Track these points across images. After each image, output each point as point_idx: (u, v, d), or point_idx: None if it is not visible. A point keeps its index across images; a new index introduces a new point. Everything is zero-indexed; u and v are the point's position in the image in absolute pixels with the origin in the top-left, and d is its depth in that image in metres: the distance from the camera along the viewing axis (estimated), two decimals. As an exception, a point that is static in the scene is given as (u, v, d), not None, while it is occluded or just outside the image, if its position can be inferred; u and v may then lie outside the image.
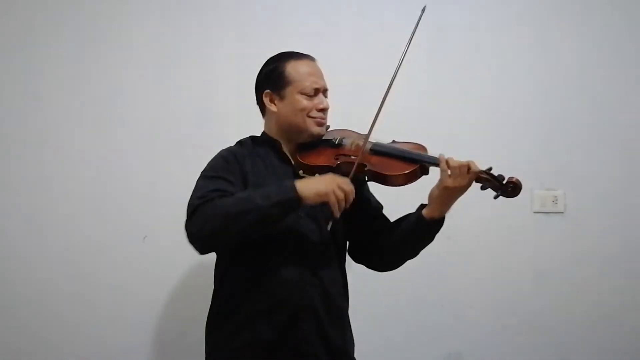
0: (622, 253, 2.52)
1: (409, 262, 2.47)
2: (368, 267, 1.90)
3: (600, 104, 2.54)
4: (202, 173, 1.76)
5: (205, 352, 1.81)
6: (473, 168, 1.69)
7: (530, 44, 2.54)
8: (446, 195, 1.71)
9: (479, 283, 2.52)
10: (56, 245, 2.42)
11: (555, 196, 2.52)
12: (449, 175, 1.68)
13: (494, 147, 2.45)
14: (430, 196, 1.74)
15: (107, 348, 2.42)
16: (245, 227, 1.61)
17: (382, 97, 1.73)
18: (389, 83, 1.74)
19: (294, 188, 1.60)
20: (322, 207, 1.66)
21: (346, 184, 1.63)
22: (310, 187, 1.61)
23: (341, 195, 1.61)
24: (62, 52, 2.46)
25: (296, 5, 2.49)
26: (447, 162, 1.69)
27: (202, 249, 1.67)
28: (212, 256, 1.82)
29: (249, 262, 1.72)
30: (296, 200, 1.60)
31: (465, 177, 1.68)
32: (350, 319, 1.87)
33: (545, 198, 2.52)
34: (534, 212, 2.53)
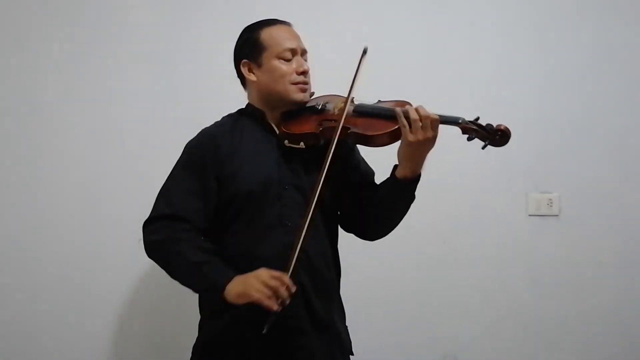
0: (618, 256, 2.53)
1: (406, 266, 2.49)
2: (358, 236, 1.84)
3: (595, 106, 2.55)
4: (177, 163, 1.78)
5: (199, 325, 1.81)
6: (433, 117, 1.60)
7: (526, 46, 2.55)
8: (411, 151, 1.62)
9: (475, 286, 2.52)
10: (51, 248, 2.42)
11: (550, 199, 2.53)
12: (410, 130, 1.60)
13: (489, 149, 2.45)
14: (398, 154, 1.67)
15: (103, 350, 2.41)
16: (176, 280, 1.73)
17: (359, 58, 1.69)
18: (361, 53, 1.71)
19: (222, 288, 1.59)
20: (314, 161, 1.65)
21: (276, 278, 1.56)
22: (234, 288, 1.59)
23: (267, 292, 1.54)
24: (58, 53, 2.45)
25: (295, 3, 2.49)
26: (405, 113, 1.61)
27: None
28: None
29: (235, 237, 1.71)
30: (221, 298, 1.61)
31: (428, 129, 1.60)
32: (347, 321, 1.86)
33: (540, 201, 2.53)
34: (529, 215, 2.54)
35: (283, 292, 1.55)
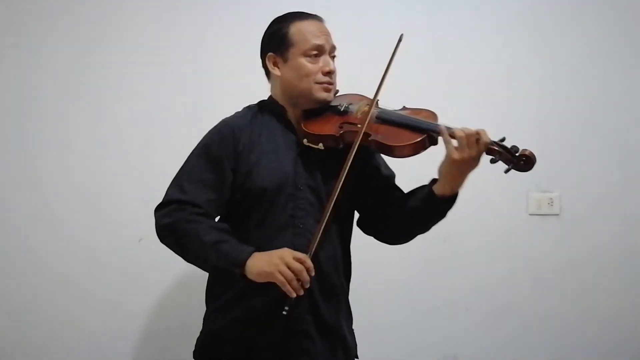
0: (618, 255, 2.53)
1: (406, 265, 2.49)
2: (377, 239, 1.82)
3: (596, 106, 2.55)
4: (194, 151, 1.74)
5: (203, 318, 1.80)
6: (483, 138, 1.55)
7: (526, 45, 2.55)
8: (455, 169, 1.58)
9: (475, 285, 2.52)
10: (52, 248, 2.42)
11: (551, 198, 2.53)
12: (455, 148, 1.55)
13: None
14: (439, 171, 1.62)
15: (103, 350, 2.41)
16: (189, 261, 1.70)
17: (387, 63, 1.67)
18: (390, 55, 1.68)
19: (242, 264, 1.57)
20: (333, 167, 1.62)
21: (299, 260, 1.54)
22: (256, 265, 1.56)
23: (289, 274, 1.52)
24: (57, 53, 2.45)
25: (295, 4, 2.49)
26: (450, 131, 1.56)
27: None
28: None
29: (245, 235, 1.68)
30: (238, 275, 1.58)
31: (474, 147, 1.55)
32: (348, 321, 1.86)
33: (540, 200, 2.53)
34: (530, 215, 2.54)
35: (305, 276, 1.54)
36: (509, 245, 2.53)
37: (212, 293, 1.78)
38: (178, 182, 1.71)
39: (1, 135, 2.43)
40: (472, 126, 2.52)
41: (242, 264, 1.57)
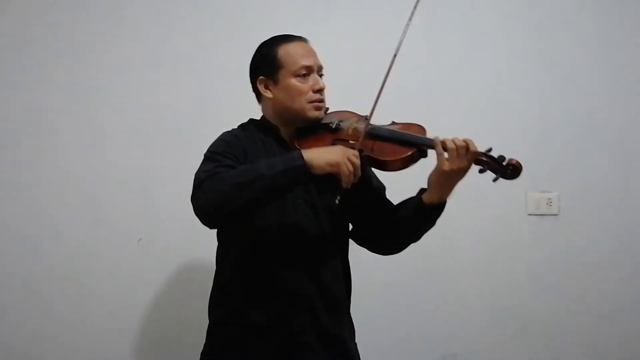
0: (617, 255, 2.53)
1: (404, 265, 2.49)
2: (370, 250, 1.85)
3: (594, 106, 2.55)
4: (205, 154, 1.73)
5: (207, 331, 1.80)
6: (472, 148, 1.60)
7: (525, 46, 2.55)
8: (444, 179, 1.63)
9: (474, 285, 2.53)
10: (51, 248, 2.42)
11: (550, 198, 2.53)
12: (446, 159, 1.60)
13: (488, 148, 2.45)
14: (429, 181, 1.67)
15: (103, 350, 2.42)
16: (250, 198, 1.56)
17: (382, 81, 1.66)
18: (387, 68, 1.67)
19: (301, 157, 1.56)
20: (329, 180, 1.62)
21: (356, 156, 1.59)
22: (320, 156, 1.57)
23: (351, 167, 1.57)
24: (57, 54, 2.46)
25: (291, 5, 2.50)
26: (443, 143, 1.61)
27: (209, 223, 1.63)
28: (209, 255, 1.82)
29: (245, 249, 1.70)
30: (303, 168, 1.56)
31: (464, 158, 1.60)
32: (346, 321, 1.86)
33: (539, 200, 2.53)
34: (528, 215, 2.54)
35: (359, 171, 1.60)
36: (507, 245, 2.53)
37: (214, 304, 1.79)
38: (202, 169, 1.66)
39: (1, 135, 2.44)
40: (472, 127, 2.53)
41: (301, 156, 1.56)
